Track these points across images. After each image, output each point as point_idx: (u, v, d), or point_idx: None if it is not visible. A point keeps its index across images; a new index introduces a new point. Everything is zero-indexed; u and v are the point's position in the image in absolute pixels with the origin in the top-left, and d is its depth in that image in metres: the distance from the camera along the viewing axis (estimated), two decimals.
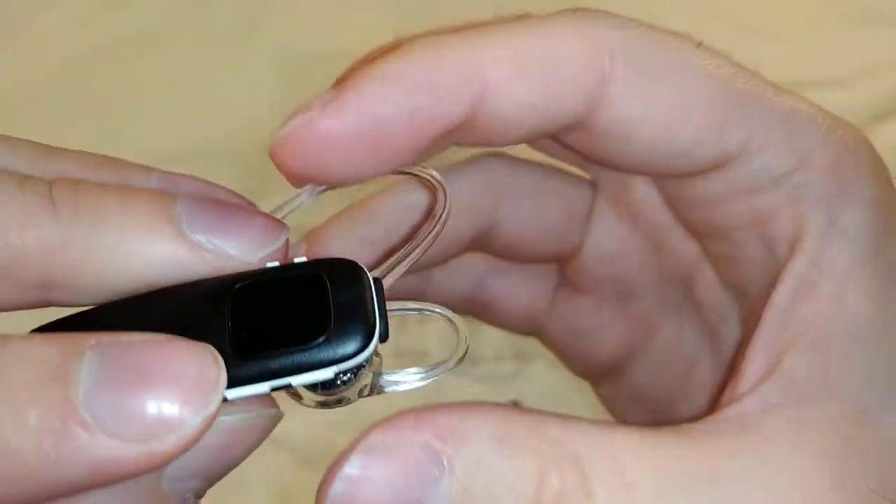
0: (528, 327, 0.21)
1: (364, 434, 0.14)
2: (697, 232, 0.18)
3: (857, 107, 0.67)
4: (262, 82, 0.59)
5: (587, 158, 0.17)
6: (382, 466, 0.13)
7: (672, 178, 0.17)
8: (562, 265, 0.20)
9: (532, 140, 0.16)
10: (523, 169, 0.19)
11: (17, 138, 0.14)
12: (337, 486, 0.13)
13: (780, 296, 0.15)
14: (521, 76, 0.14)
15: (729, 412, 0.14)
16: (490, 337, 0.49)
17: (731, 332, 0.18)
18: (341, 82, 0.14)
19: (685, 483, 0.13)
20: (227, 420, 0.13)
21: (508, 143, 0.16)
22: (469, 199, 0.18)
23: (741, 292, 0.17)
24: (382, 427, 0.14)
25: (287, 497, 0.44)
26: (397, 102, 0.14)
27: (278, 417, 0.14)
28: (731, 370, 0.16)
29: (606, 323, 0.20)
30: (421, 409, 0.15)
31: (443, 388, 0.48)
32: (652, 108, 0.15)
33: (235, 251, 0.13)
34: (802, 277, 0.15)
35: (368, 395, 0.16)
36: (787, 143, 0.15)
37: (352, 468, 0.13)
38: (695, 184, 0.16)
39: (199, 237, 0.12)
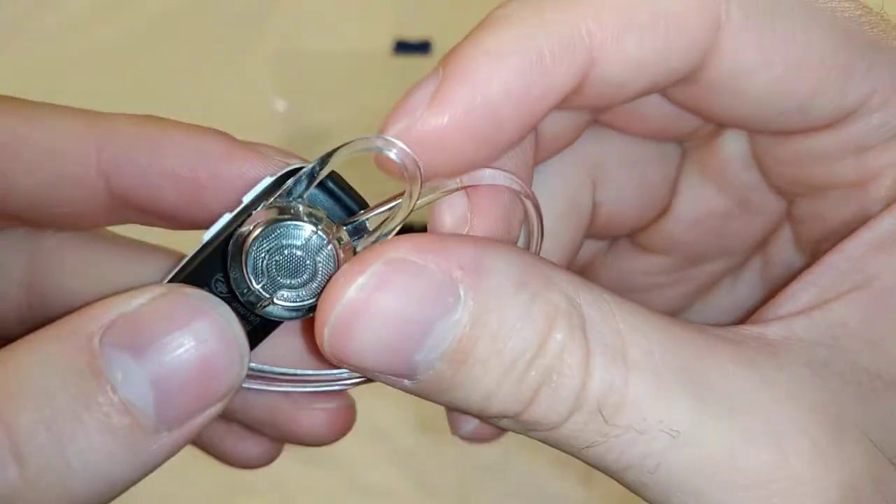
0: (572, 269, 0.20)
1: (384, 248, 0.13)
2: (787, 191, 0.16)
3: None
4: (260, 83, 0.60)
5: (692, 112, 0.15)
6: (400, 283, 0.12)
7: (778, 136, 0.15)
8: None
9: (638, 97, 0.14)
10: (618, 140, 0.17)
11: None
12: (350, 293, 0.12)
13: (853, 244, 0.14)
14: (630, 33, 0.13)
15: (749, 329, 0.14)
16: None
17: None
18: (445, 62, 0.13)
19: (680, 381, 0.13)
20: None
21: (614, 105, 0.14)
22: (566, 193, 0.16)
23: (816, 251, 0.17)
24: (406, 244, 0.13)
25: (288, 497, 0.44)
26: (507, 83, 0.13)
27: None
28: (773, 295, 0.15)
29: (664, 283, 0.19)
30: (445, 236, 0.14)
31: None
32: (768, 56, 0.13)
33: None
34: (886, 233, 0.14)
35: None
36: None
37: (367, 278, 0.12)
38: (801, 141, 0.15)
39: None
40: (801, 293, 0.15)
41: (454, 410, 0.15)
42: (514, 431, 0.14)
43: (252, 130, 0.70)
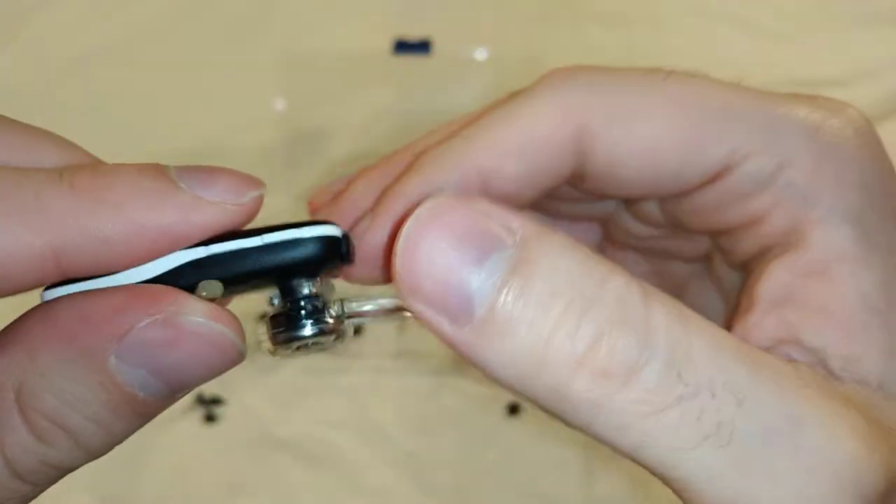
0: None
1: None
2: (702, 232, 0.19)
3: (862, 106, 0.67)
4: (261, 82, 0.60)
5: (592, 194, 0.19)
6: (462, 211, 0.13)
7: (669, 198, 0.18)
8: (605, 223, 0.21)
9: (534, 200, 0.18)
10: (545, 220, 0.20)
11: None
12: (423, 210, 0.13)
13: (779, 284, 0.16)
14: (508, 160, 0.17)
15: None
16: None
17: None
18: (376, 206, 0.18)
19: (733, 347, 0.13)
20: (190, 320, 0.13)
21: (526, 204, 0.18)
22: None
23: (748, 269, 0.19)
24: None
25: (288, 497, 0.44)
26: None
27: (236, 348, 0.14)
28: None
29: (643, 277, 0.21)
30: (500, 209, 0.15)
31: (441, 388, 0.48)
32: (632, 148, 0.16)
33: (222, 197, 0.14)
34: (800, 266, 0.16)
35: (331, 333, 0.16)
36: (768, 148, 0.16)
37: (435, 202, 0.13)
38: (691, 198, 0.17)
39: (199, 192, 0.14)
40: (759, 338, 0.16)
41: (499, 383, 0.13)
42: (564, 419, 0.13)
43: (251, 129, 0.70)
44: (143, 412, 0.14)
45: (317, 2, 0.79)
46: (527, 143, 0.16)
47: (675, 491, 0.13)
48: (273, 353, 0.16)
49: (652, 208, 0.19)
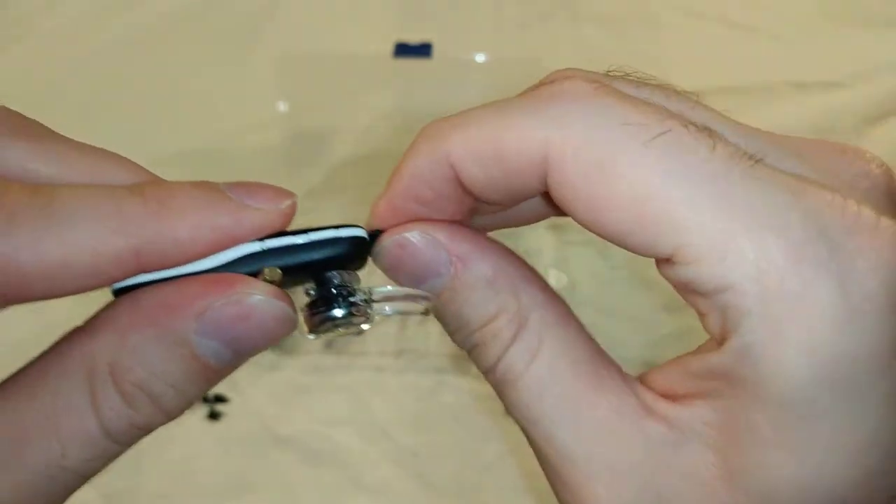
0: None
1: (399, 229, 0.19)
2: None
3: (855, 108, 0.67)
4: (264, 84, 0.60)
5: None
6: (415, 245, 0.19)
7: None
8: None
9: (508, 202, 0.19)
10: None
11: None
12: (387, 243, 0.19)
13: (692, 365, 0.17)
14: (474, 163, 0.18)
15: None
16: None
17: None
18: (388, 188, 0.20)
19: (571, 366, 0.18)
20: (256, 298, 0.16)
21: (498, 205, 0.20)
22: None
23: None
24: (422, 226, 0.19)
25: (290, 494, 0.44)
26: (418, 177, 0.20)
27: (292, 320, 0.17)
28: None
29: None
30: (455, 226, 0.19)
31: (441, 386, 0.49)
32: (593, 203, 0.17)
33: (264, 204, 0.17)
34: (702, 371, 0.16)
35: (356, 316, 0.19)
36: (712, 268, 0.15)
37: (393, 239, 0.19)
38: (657, 263, 0.17)
39: (245, 200, 0.17)
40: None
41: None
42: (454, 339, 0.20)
43: (255, 131, 0.71)
44: (212, 377, 0.16)
45: (319, 6, 0.79)
46: (493, 152, 0.17)
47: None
48: (311, 332, 0.18)
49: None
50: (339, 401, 0.47)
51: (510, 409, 0.19)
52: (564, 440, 0.17)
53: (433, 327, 0.52)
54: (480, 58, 0.57)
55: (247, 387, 0.47)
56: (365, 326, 0.18)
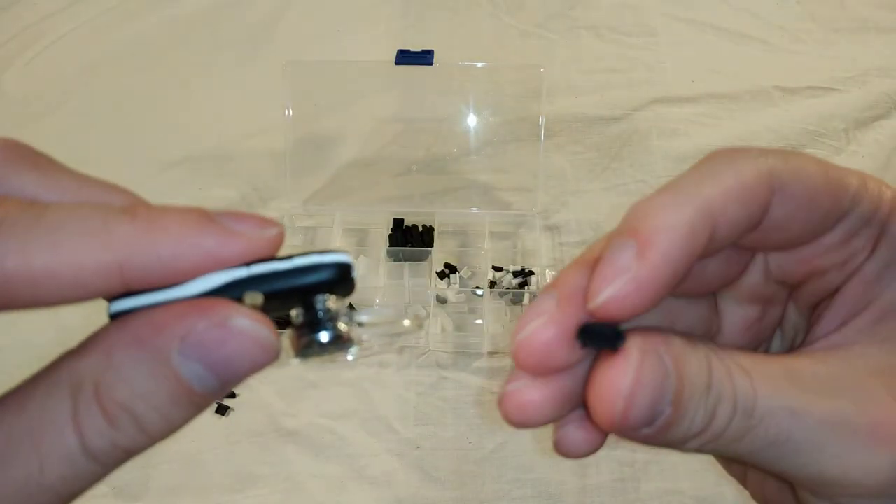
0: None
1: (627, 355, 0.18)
2: (792, 283, 0.23)
3: (844, 112, 0.68)
4: (270, 90, 0.61)
5: (754, 248, 0.22)
6: (652, 369, 0.18)
7: (803, 244, 0.21)
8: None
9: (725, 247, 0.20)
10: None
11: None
12: (629, 373, 0.18)
13: (857, 280, 0.20)
14: (732, 202, 0.19)
15: (808, 347, 0.21)
16: (488, 332, 0.50)
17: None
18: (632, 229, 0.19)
19: (784, 376, 0.18)
20: (241, 322, 0.16)
21: (721, 248, 0.20)
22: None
23: (814, 312, 0.23)
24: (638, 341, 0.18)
25: (295, 487, 0.44)
26: (683, 248, 0.19)
27: (273, 346, 0.17)
28: (808, 330, 0.22)
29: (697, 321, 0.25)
30: (647, 330, 0.19)
31: (442, 381, 0.49)
32: (803, 188, 0.19)
33: (250, 231, 0.17)
34: (878, 267, 0.20)
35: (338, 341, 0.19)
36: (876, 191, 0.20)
37: (636, 373, 0.18)
38: (815, 244, 0.21)
39: (232, 226, 0.17)
40: (828, 323, 0.21)
41: (663, 447, 0.20)
42: (689, 451, 0.19)
43: (261, 135, 0.72)
44: (197, 402, 0.16)
45: (324, 14, 0.80)
46: (742, 187, 0.19)
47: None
48: (297, 356, 0.18)
49: (755, 278, 0.23)
50: (344, 396, 0.47)
51: (744, 457, 0.19)
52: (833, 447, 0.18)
53: (434, 325, 0.52)
54: (480, 65, 0.58)
55: (254, 382, 0.48)
56: (353, 350, 0.18)
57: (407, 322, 0.19)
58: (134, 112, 0.70)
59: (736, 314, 0.23)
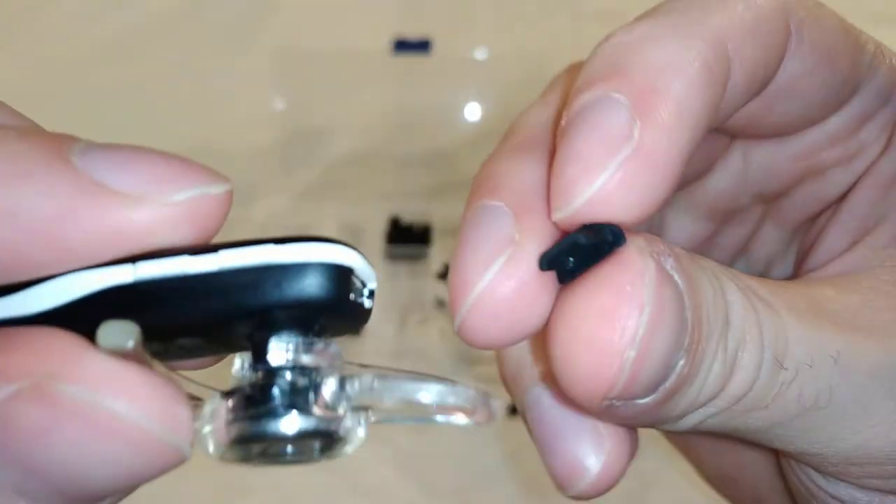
0: None
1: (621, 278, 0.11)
2: (774, 193, 0.17)
3: None
4: (260, 82, 0.60)
5: (731, 132, 0.16)
6: (666, 299, 0.12)
7: (796, 134, 0.16)
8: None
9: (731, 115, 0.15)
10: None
11: None
12: (647, 299, 0.11)
13: (863, 192, 0.16)
14: (747, 38, 0.13)
15: (816, 274, 0.15)
16: None
17: (783, 271, 0.19)
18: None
19: (814, 312, 0.13)
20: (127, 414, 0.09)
21: (717, 125, 0.15)
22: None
23: (798, 234, 0.18)
24: (638, 262, 0.12)
25: (287, 498, 0.44)
26: (705, 100, 0.13)
27: (160, 444, 0.09)
28: (805, 252, 0.17)
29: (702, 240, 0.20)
30: (645, 234, 0.13)
31: None
32: (815, 58, 0.14)
33: (141, 189, 0.09)
34: (889, 173, 0.15)
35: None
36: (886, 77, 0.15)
37: (642, 329, 0.11)
38: (817, 130, 0.16)
39: (107, 179, 0.09)
40: (834, 242, 0.16)
41: (644, 426, 0.14)
42: (681, 431, 0.13)
43: (251, 129, 0.70)
44: None
45: (315, 2, 0.79)
46: (757, 20, 0.13)
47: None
48: (220, 455, 0.10)
49: (721, 183, 0.17)
50: None
51: (759, 436, 0.14)
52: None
53: (433, 328, 0.52)
54: (480, 54, 0.57)
55: None
56: (348, 449, 0.10)
57: (461, 417, 0.11)
58: (118, 105, 0.69)
59: (682, 229, 0.17)
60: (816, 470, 0.15)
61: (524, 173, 0.12)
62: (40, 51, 0.74)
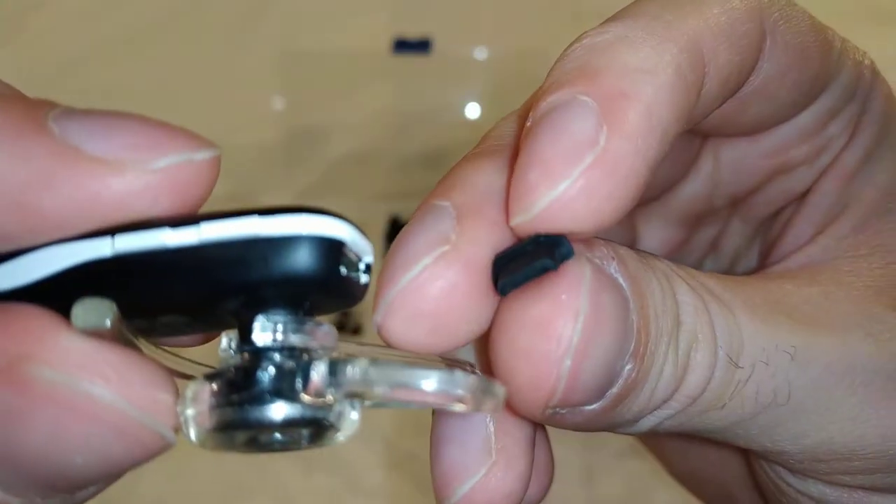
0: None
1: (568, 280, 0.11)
2: (742, 193, 0.17)
3: None
4: (259, 81, 0.60)
5: (711, 132, 0.16)
6: (605, 302, 0.11)
7: (764, 133, 0.16)
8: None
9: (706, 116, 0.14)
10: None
11: None
12: (583, 307, 0.10)
13: (826, 185, 0.16)
14: (722, 41, 0.12)
15: (773, 269, 0.15)
16: None
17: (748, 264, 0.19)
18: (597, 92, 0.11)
19: (770, 308, 0.13)
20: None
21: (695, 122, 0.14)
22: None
23: (762, 229, 0.18)
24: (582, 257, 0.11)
25: (288, 500, 0.44)
26: (674, 105, 0.12)
27: (141, 429, 0.09)
28: (770, 245, 0.17)
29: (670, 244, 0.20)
30: (586, 238, 0.12)
31: None
32: (790, 59, 0.14)
33: (119, 155, 0.09)
34: (849, 167, 0.16)
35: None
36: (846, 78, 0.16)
37: (581, 323, 0.11)
38: (788, 127, 0.16)
39: (84, 143, 0.09)
40: (798, 233, 0.16)
41: (594, 430, 0.13)
42: (636, 434, 0.13)
43: (250, 128, 0.70)
44: None
45: (315, 2, 0.78)
46: (733, 23, 0.12)
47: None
48: (202, 442, 0.10)
49: (693, 190, 0.17)
50: None
51: (716, 435, 0.13)
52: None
53: None
54: (480, 54, 0.57)
55: None
56: (339, 436, 0.10)
57: (461, 406, 0.10)
58: (118, 104, 0.68)
59: (656, 236, 0.18)
60: (784, 467, 0.14)
61: (480, 177, 0.11)
62: (39, 50, 0.74)
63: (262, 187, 0.58)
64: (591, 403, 0.11)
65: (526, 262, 0.10)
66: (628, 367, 0.11)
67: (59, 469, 0.08)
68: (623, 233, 0.18)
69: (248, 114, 0.63)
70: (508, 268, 0.10)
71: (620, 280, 0.11)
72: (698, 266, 0.19)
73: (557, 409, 0.11)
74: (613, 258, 0.11)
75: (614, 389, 0.11)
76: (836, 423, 0.13)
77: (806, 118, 0.15)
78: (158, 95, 0.69)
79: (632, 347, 0.11)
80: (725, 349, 0.12)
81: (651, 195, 0.17)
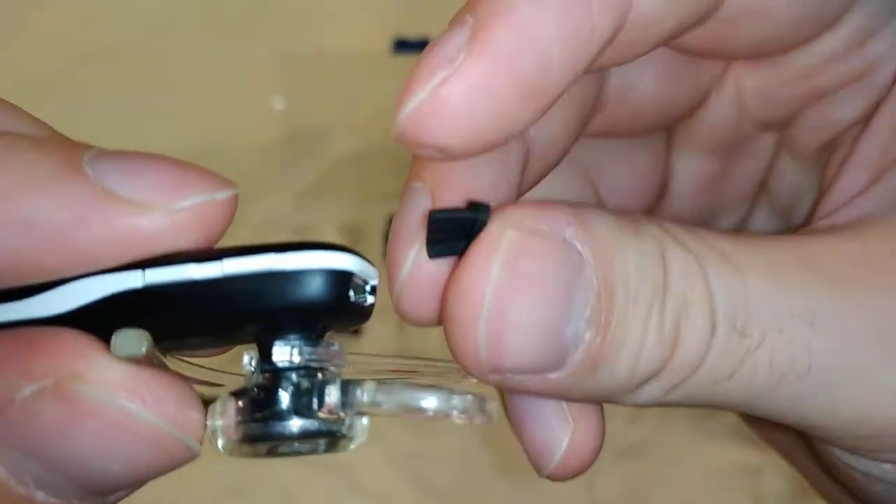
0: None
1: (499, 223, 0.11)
2: (780, 122, 0.16)
3: None
4: (259, 81, 0.60)
5: (704, 55, 0.15)
6: (533, 264, 0.11)
7: (784, 57, 0.15)
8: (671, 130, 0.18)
9: (662, 43, 0.13)
10: (608, 144, 0.16)
11: None
12: (489, 296, 0.11)
13: (885, 121, 0.14)
14: None
15: (825, 221, 0.14)
16: None
17: (803, 211, 0.17)
18: (473, 7, 0.11)
19: (790, 264, 0.12)
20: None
21: (639, 55, 0.13)
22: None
23: (823, 162, 0.16)
24: (514, 217, 0.11)
25: (288, 499, 0.44)
26: (556, 22, 0.11)
27: (182, 439, 0.10)
28: (822, 192, 0.15)
29: (713, 176, 0.19)
30: (538, 202, 0.12)
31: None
32: None
33: (148, 196, 0.10)
34: None
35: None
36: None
37: (500, 273, 0.11)
38: (808, 52, 0.14)
39: (118, 187, 0.10)
40: (849, 183, 0.14)
41: (593, 401, 0.13)
42: (645, 405, 0.13)
43: (251, 128, 0.70)
44: None
45: (317, 1, 0.78)
46: None
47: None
48: (229, 452, 0.11)
49: (720, 113, 0.16)
50: None
51: (738, 406, 0.13)
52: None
53: (433, 329, 0.51)
54: None
55: None
56: (352, 445, 0.12)
57: (462, 420, 0.12)
58: (118, 104, 0.69)
59: (689, 167, 0.17)
60: (829, 443, 0.14)
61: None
62: (40, 50, 0.74)
63: (262, 187, 0.58)
64: (546, 369, 0.11)
65: (453, 230, 0.11)
66: (587, 333, 0.11)
67: (98, 474, 0.10)
68: (653, 169, 0.17)
69: (250, 114, 0.63)
70: (438, 235, 0.11)
71: (578, 245, 0.11)
72: (750, 212, 0.17)
73: (509, 375, 0.11)
74: (571, 224, 0.11)
75: (575, 356, 0.11)
76: (876, 398, 0.12)
77: (830, 41, 0.14)
78: (159, 95, 0.69)
79: (588, 313, 0.11)
80: (727, 315, 0.12)
81: (672, 116, 0.16)
